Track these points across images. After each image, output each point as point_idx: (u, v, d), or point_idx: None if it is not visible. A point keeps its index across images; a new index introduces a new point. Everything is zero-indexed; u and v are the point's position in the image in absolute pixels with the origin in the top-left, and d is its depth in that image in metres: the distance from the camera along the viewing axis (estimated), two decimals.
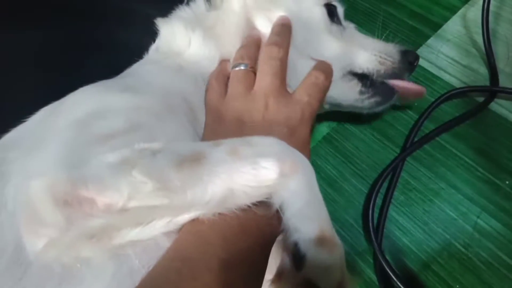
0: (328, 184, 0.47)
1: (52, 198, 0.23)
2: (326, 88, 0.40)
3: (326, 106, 0.47)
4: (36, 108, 0.36)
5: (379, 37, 0.48)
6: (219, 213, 0.25)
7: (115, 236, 0.24)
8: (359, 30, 0.50)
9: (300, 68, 0.42)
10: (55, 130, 0.31)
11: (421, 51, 0.57)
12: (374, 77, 0.45)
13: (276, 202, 0.26)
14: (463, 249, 0.41)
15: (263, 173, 0.25)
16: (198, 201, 0.24)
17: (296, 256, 0.26)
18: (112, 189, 0.23)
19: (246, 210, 0.26)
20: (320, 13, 0.45)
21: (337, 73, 0.43)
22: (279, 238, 0.28)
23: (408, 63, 0.47)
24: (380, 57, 0.45)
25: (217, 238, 0.25)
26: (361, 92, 0.45)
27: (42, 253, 0.23)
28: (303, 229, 0.26)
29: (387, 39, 0.48)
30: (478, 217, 0.42)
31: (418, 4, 0.62)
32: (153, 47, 0.45)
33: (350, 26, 0.49)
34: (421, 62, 0.56)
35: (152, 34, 0.46)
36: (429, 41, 0.58)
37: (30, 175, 0.27)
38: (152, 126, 0.31)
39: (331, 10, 0.46)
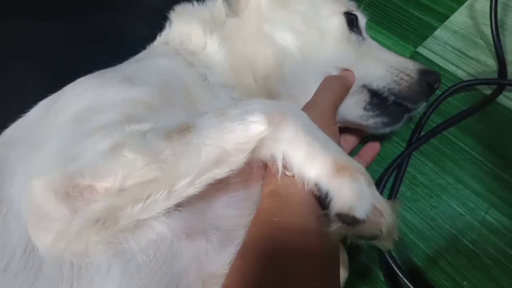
0: None
1: (53, 193, 0.23)
2: (346, 86, 0.40)
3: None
4: (40, 99, 0.35)
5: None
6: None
7: (119, 217, 0.24)
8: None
9: (311, 78, 0.42)
10: (54, 128, 0.31)
11: (427, 42, 0.56)
12: (386, 95, 0.42)
13: (277, 157, 0.26)
14: (470, 245, 0.40)
15: (251, 127, 0.26)
16: (193, 165, 0.25)
17: (322, 196, 0.26)
18: (107, 172, 0.24)
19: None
20: (338, 22, 0.44)
21: None
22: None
23: (427, 85, 0.43)
24: (396, 75, 0.42)
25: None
26: (365, 109, 0.42)
27: (52, 246, 0.24)
28: (316, 168, 0.26)
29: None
30: (486, 212, 0.42)
31: None
32: (160, 40, 0.44)
33: (369, 39, 0.47)
34: (428, 54, 0.55)
35: (156, 25, 0.45)
36: (436, 32, 0.56)
37: (31, 175, 0.27)
38: (147, 118, 0.30)
39: (350, 19, 0.45)
